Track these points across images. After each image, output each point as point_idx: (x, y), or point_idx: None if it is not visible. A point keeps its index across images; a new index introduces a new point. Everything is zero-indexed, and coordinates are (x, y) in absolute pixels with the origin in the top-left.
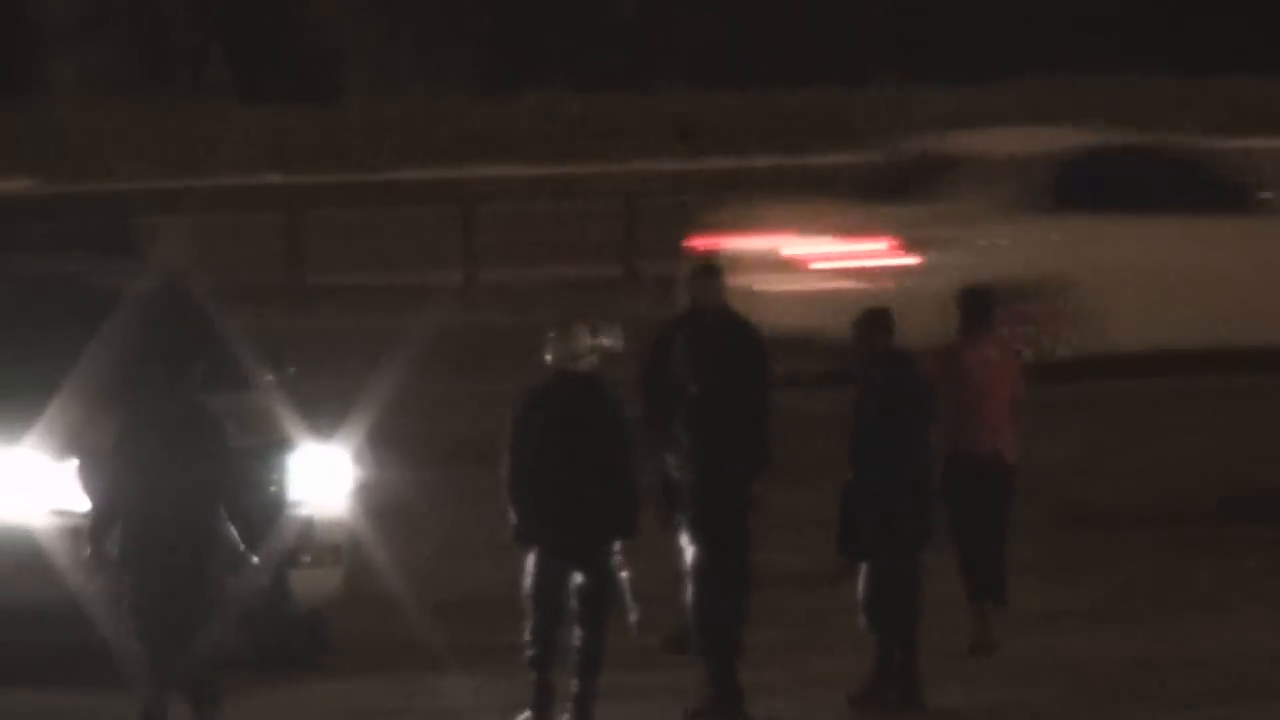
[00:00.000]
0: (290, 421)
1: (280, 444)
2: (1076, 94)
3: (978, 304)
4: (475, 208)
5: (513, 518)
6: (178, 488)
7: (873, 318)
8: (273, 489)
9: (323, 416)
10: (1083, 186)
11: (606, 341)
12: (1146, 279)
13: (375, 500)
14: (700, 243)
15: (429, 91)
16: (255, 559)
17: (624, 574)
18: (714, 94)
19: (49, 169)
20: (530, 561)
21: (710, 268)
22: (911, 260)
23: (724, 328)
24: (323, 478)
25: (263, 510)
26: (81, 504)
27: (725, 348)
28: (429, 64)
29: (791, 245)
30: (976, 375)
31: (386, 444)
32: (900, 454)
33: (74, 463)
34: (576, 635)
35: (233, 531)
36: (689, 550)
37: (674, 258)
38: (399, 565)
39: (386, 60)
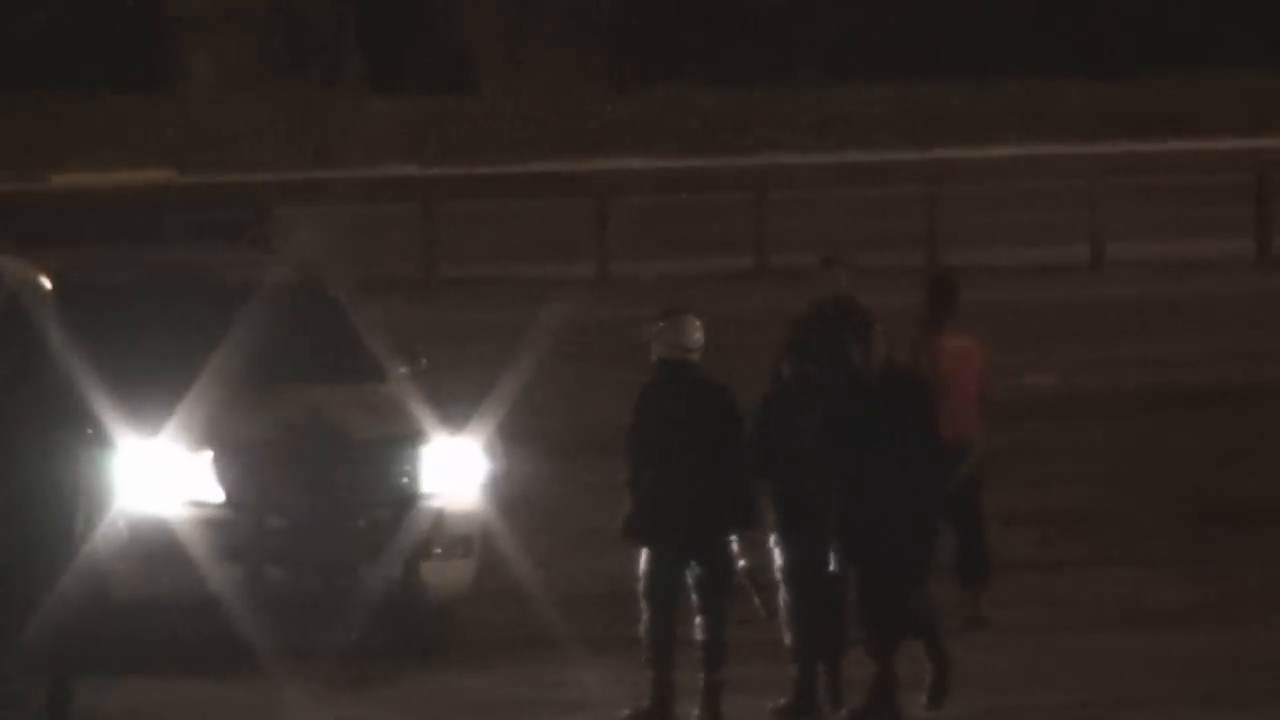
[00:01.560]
0: (422, 414)
1: (412, 436)
2: (1215, 90)
3: (944, 293)
4: (608, 200)
5: (625, 512)
6: None
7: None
8: (404, 481)
9: (455, 409)
10: None
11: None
12: None
13: (506, 493)
14: None
15: (563, 83)
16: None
17: (741, 563)
18: (848, 86)
19: (186, 160)
20: (644, 558)
21: (831, 260)
22: None
23: (842, 320)
24: (454, 470)
25: (394, 502)
26: (215, 495)
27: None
28: (564, 56)
29: None
30: (945, 364)
31: (518, 437)
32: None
33: (208, 454)
34: (698, 628)
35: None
36: (778, 551)
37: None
38: (530, 557)
39: (521, 52)
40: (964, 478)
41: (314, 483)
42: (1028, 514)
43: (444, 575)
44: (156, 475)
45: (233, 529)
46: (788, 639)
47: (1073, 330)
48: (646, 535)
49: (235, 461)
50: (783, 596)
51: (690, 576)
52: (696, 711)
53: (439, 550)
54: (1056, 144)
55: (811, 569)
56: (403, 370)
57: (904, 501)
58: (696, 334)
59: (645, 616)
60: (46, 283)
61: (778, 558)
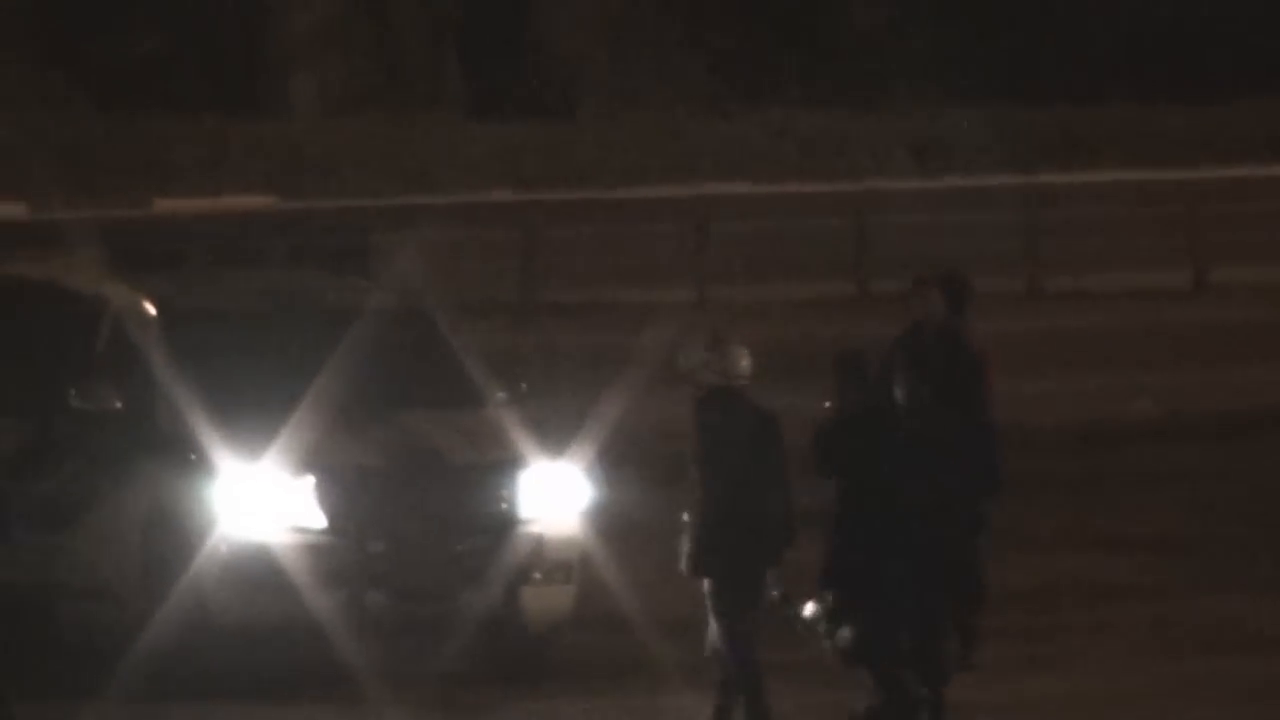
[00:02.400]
0: (522, 439)
1: (512, 462)
2: None
3: (958, 293)
4: (708, 225)
5: (692, 549)
6: None
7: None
8: (504, 506)
9: (554, 434)
10: None
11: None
12: None
13: (606, 518)
14: None
15: (663, 108)
16: None
17: (774, 593)
18: (947, 110)
19: (288, 185)
20: (710, 588)
21: (924, 281)
22: None
23: (940, 344)
24: (554, 495)
25: (494, 528)
26: (316, 521)
27: (939, 364)
28: (664, 80)
29: None
30: None
31: (618, 462)
32: None
33: (310, 480)
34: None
35: None
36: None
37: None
38: (630, 583)
39: (622, 77)
40: None
41: (415, 508)
42: (1130, 539)
43: (543, 601)
44: (258, 501)
45: (334, 554)
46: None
47: (1174, 355)
48: (710, 568)
49: (336, 487)
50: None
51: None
52: None
53: (539, 576)
54: (1157, 169)
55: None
56: (502, 395)
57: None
58: (744, 361)
59: (727, 645)
60: (150, 308)
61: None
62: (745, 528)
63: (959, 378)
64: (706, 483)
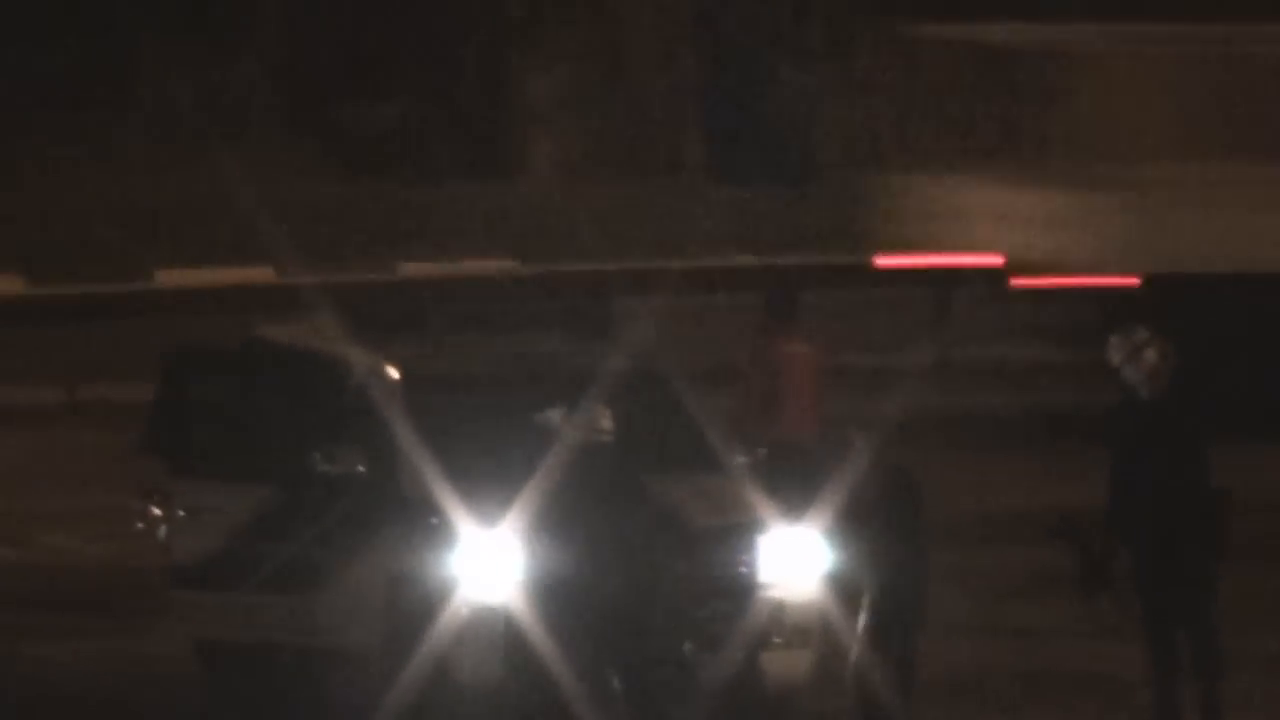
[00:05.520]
0: (761, 503)
1: (751, 526)
2: None
3: (785, 297)
4: (949, 289)
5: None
6: None
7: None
8: (743, 570)
9: (794, 497)
10: None
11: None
12: None
13: (845, 582)
14: None
15: (903, 171)
16: None
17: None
18: None
19: (529, 249)
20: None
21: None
22: None
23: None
24: (793, 560)
25: (733, 592)
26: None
27: None
28: (904, 145)
29: None
30: (786, 368)
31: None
32: None
33: (547, 542)
34: None
35: None
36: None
37: None
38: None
39: (863, 141)
40: None
41: (653, 572)
42: None
43: (783, 666)
44: (497, 564)
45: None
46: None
47: None
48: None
49: (568, 549)
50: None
51: None
52: None
53: (778, 640)
54: None
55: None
56: (741, 460)
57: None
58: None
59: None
60: (394, 372)
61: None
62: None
63: None
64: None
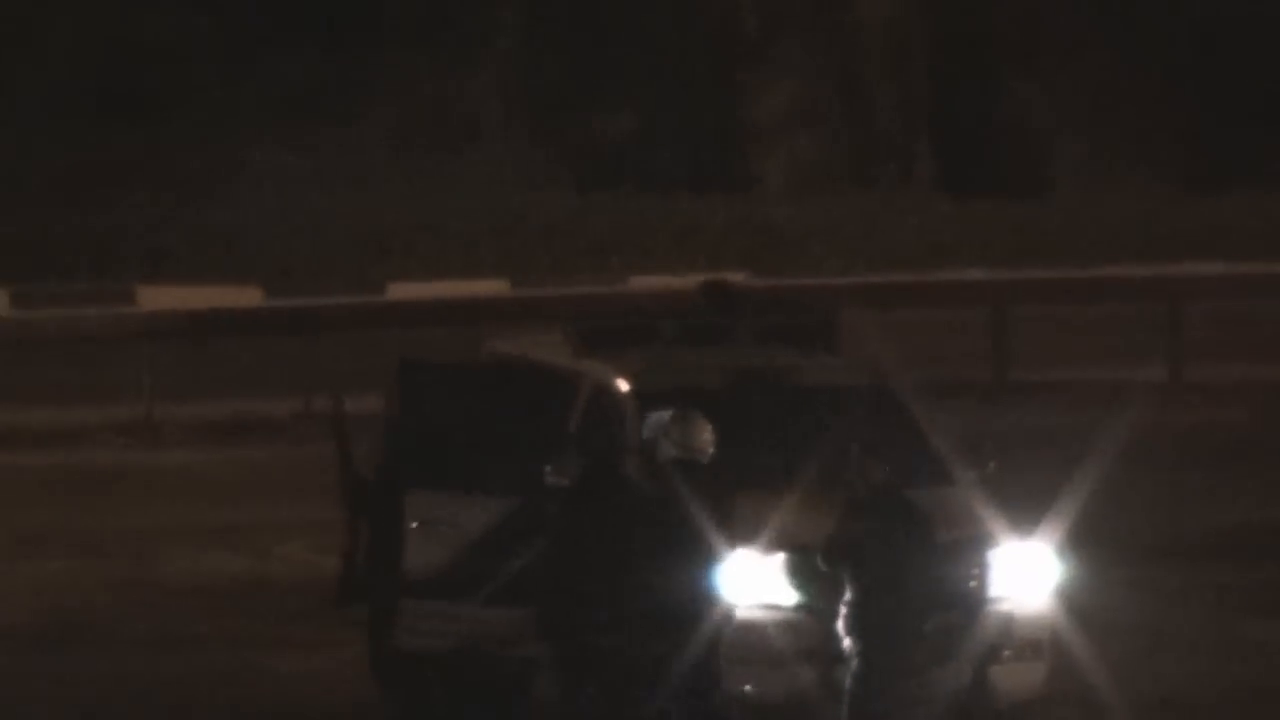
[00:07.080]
0: (991, 517)
1: (982, 539)
2: None
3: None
4: (1183, 305)
5: None
6: None
7: None
8: (974, 584)
9: (1024, 512)
10: None
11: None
12: None
13: (1078, 596)
14: None
15: (1140, 186)
16: None
17: None
18: None
19: (759, 262)
20: None
21: None
22: None
23: None
24: (1024, 573)
25: (964, 605)
26: (789, 597)
27: None
28: (1140, 157)
29: None
30: None
31: (1089, 541)
32: None
33: (782, 557)
34: None
35: None
36: None
37: None
38: (1102, 663)
39: (1097, 153)
40: None
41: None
42: None
43: (1014, 679)
44: (735, 578)
45: (804, 632)
46: None
47: None
48: None
49: (806, 564)
50: None
51: None
52: None
53: (1009, 654)
54: None
55: None
56: (972, 474)
57: None
58: (707, 433)
59: None
60: (625, 385)
61: None
62: None
63: None
64: None
